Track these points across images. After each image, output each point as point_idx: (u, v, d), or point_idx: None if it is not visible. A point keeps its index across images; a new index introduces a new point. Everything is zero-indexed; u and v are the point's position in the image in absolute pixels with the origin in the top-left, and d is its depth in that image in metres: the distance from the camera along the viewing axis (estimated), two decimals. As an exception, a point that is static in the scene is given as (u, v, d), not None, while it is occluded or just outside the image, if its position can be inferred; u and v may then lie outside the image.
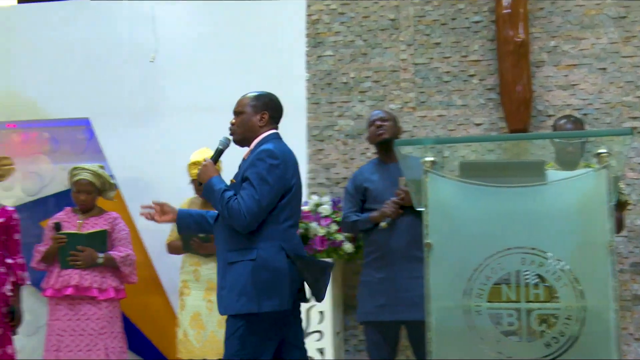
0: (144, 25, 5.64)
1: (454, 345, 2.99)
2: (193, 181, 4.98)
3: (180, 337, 4.89)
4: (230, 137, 3.63)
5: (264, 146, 3.48)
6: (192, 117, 5.69)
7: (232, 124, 3.63)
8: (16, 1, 6.73)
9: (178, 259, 5.04)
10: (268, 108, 3.61)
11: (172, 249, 5.05)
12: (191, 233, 4.30)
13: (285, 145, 3.57)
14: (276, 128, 3.65)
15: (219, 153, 3.61)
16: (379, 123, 4.43)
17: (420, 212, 3.12)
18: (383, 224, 4.24)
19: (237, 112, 3.62)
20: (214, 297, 4.78)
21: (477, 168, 3.17)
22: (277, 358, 3.49)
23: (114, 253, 4.80)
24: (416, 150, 3.19)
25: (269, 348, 3.41)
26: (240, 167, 3.57)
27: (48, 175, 6.21)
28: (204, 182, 3.51)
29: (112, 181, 5.01)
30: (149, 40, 5.51)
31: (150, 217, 3.69)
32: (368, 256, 4.43)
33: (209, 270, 4.84)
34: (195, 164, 4.93)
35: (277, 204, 3.44)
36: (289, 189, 3.48)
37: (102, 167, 5.00)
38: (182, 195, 5.11)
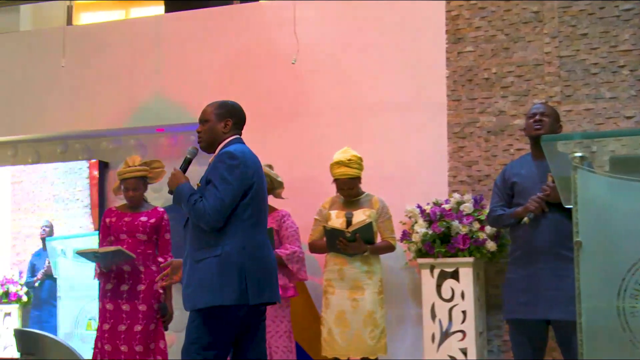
0: (286, 27, 5.73)
1: (606, 347, 2.87)
2: (335, 181, 5.01)
3: (325, 335, 4.93)
4: (198, 146, 3.82)
5: (224, 149, 3.68)
6: (334, 117, 5.74)
7: (199, 132, 3.80)
8: (163, 11, 7.02)
9: (320, 258, 5.10)
10: (231, 115, 3.78)
11: (314, 248, 5.11)
12: None
13: (246, 147, 3.76)
14: (239, 134, 3.83)
15: (187, 162, 3.81)
16: (538, 117, 4.33)
17: (566, 209, 3.03)
18: (525, 220, 4.16)
19: (203, 121, 3.79)
20: (359, 295, 4.85)
21: (628, 163, 3.04)
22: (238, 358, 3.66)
23: (279, 251, 4.84)
24: (563, 146, 3.09)
25: (225, 342, 3.57)
26: (207, 171, 3.75)
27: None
28: (174, 189, 3.71)
29: (280, 179, 5.07)
30: (291, 42, 5.60)
31: (169, 282, 3.97)
32: (513, 253, 4.40)
33: (354, 269, 4.87)
34: (338, 163, 4.96)
35: (239, 202, 3.60)
36: (250, 187, 3.64)
37: (269, 166, 5.08)
38: (324, 195, 5.16)
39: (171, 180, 3.76)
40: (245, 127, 5.88)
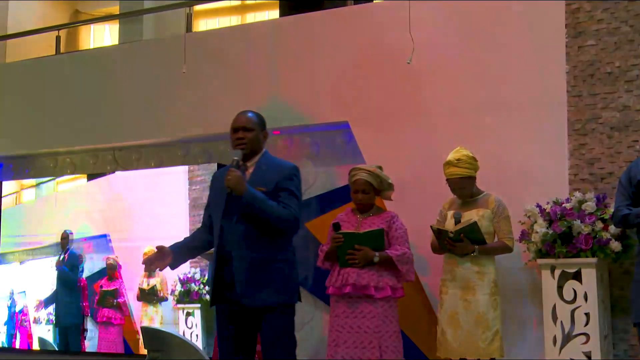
0: (400, 27, 5.71)
1: None
2: (448, 180, 4.95)
3: (439, 336, 4.90)
4: (240, 151, 4.01)
5: (287, 163, 4.13)
6: (450, 116, 5.66)
7: (242, 139, 4.02)
8: (278, 15, 7.14)
9: (439, 258, 5.05)
10: (265, 128, 4.16)
11: (435, 249, 5.06)
12: (183, 262, 4.29)
13: None
14: None
15: (237, 164, 3.96)
16: None
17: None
18: None
19: (248, 129, 4.05)
20: (470, 296, 4.79)
21: None
22: None
23: (390, 252, 4.83)
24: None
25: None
26: (257, 176, 3.99)
27: (311, 178, 6.44)
28: (242, 190, 3.84)
29: (390, 181, 5.05)
30: (405, 41, 5.57)
31: (156, 267, 4.11)
32: (640, 254, 4.20)
33: (465, 270, 4.82)
34: (447, 163, 4.91)
35: None
36: None
37: (380, 168, 5.09)
38: (439, 196, 5.11)
39: (236, 181, 3.86)
40: (361, 127, 5.98)
